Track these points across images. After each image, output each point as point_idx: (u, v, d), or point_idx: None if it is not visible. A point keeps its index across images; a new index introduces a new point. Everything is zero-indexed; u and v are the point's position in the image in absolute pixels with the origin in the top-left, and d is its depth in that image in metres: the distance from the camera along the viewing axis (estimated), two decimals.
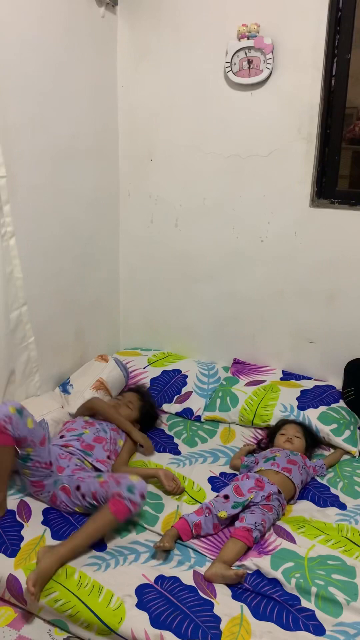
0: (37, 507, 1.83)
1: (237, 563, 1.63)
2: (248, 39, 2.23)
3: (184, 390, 2.55)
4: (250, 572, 1.59)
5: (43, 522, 1.77)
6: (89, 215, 2.53)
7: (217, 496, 1.83)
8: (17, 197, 2.02)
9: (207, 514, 1.76)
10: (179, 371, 2.64)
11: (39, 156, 2.13)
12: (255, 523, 1.70)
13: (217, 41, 2.31)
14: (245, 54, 2.26)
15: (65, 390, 2.42)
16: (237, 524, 1.72)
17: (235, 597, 1.52)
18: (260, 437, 2.30)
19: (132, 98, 2.56)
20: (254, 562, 1.61)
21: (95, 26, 2.34)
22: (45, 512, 1.81)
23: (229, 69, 2.30)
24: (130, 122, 2.60)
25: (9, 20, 1.86)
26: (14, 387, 2.16)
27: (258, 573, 1.59)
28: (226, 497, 1.79)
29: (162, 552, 1.65)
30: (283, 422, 2.24)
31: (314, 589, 1.53)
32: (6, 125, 1.89)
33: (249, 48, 2.24)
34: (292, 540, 1.72)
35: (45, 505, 1.84)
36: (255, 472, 1.92)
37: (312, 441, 2.19)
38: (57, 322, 2.43)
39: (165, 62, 2.45)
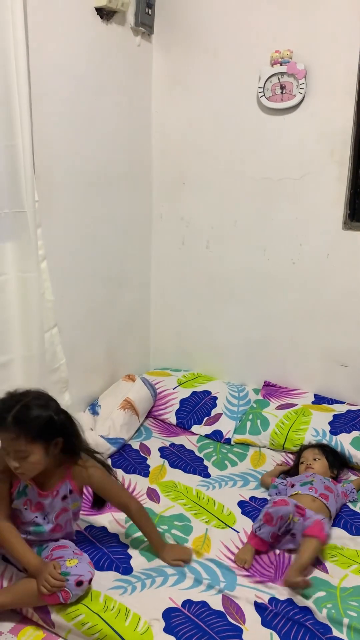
0: None
1: (273, 585, 1.60)
2: (281, 64, 2.26)
3: (213, 412, 2.53)
4: (281, 599, 1.55)
5: None
6: (121, 237, 2.57)
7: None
8: (50, 220, 2.06)
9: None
10: (208, 392, 2.62)
11: (72, 180, 2.18)
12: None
13: (250, 67, 2.35)
14: (278, 79, 2.29)
15: (94, 412, 2.43)
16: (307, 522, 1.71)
17: (265, 623, 1.48)
18: (293, 462, 2.26)
19: (165, 123, 2.62)
20: (287, 588, 1.57)
21: (131, 54, 2.41)
22: None
23: (262, 94, 2.33)
24: (164, 146, 2.65)
25: (46, 48, 1.93)
26: None
27: (290, 601, 1.54)
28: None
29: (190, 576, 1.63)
30: (301, 450, 2.20)
31: (346, 620, 1.48)
32: (41, 150, 1.94)
33: (282, 74, 2.27)
34: (324, 569, 1.68)
35: None
36: (291, 496, 1.88)
37: (335, 458, 2.13)
38: (88, 344, 2.45)
39: (199, 87, 2.50)
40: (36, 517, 1.61)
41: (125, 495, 1.75)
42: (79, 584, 1.47)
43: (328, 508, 1.84)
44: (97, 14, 2.16)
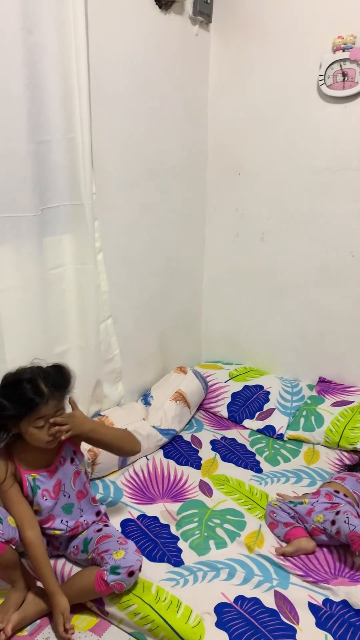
0: None
1: (326, 585, 1.57)
2: (343, 50, 2.19)
3: (266, 407, 2.50)
4: (336, 600, 1.52)
5: None
6: (175, 229, 2.56)
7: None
8: (105, 212, 2.07)
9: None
10: (261, 387, 2.59)
11: (128, 173, 2.18)
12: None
13: (310, 54, 2.28)
14: (340, 66, 2.21)
15: (146, 402, 2.45)
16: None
17: (320, 625, 1.45)
18: (348, 462, 2.21)
19: (222, 113, 2.58)
20: (342, 590, 1.54)
21: (188, 44, 2.38)
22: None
23: (322, 81, 2.26)
24: (220, 136, 2.61)
25: (105, 39, 1.93)
26: (99, 397, 2.20)
27: (345, 603, 1.51)
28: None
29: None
30: None
31: None
32: (99, 143, 1.94)
33: (344, 60, 2.20)
34: None
35: None
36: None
37: None
38: (141, 335, 2.47)
39: (257, 76, 2.45)
40: (59, 499, 1.62)
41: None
42: (131, 574, 1.49)
43: None
44: (156, 3, 2.15)
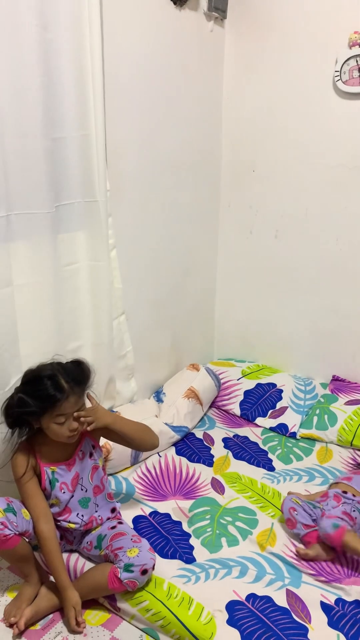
0: None
1: (339, 585, 1.56)
2: None
3: (278, 405, 2.49)
4: (349, 600, 1.51)
5: None
6: (188, 226, 2.55)
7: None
8: (120, 210, 2.07)
9: None
10: (274, 385, 2.58)
11: (143, 169, 2.18)
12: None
13: (326, 50, 2.26)
14: (357, 62, 2.19)
15: (159, 399, 2.45)
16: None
17: (332, 624, 1.45)
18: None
19: (236, 109, 2.57)
20: (355, 589, 1.53)
21: (203, 40, 2.37)
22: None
23: (338, 77, 2.24)
24: (234, 133, 2.60)
25: (119, 35, 1.92)
26: (111, 394, 2.21)
27: (357, 602, 1.50)
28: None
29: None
30: None
31: None
32: (113, 139, 1.94)
33: None
34: None
35: None
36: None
37: None
38: (153, 332, 2.47)
39: (272, 72, 2.43)
40: (76, 492, 1.63)
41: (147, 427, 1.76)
42: (144, 572, 1.49)
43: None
44: (171, 0, 2.14)
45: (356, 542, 1.61)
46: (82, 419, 1.53)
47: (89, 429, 1.55)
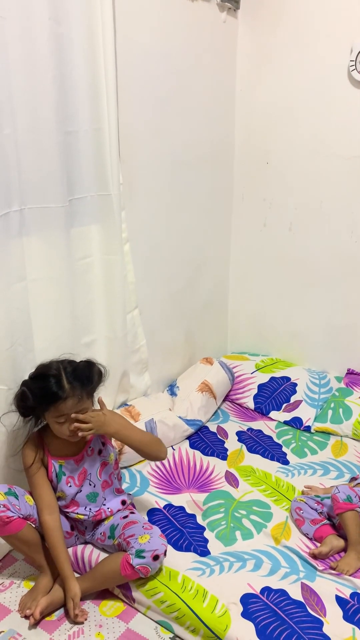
0: None
1: (354, 579, 1.56)
2: None
3: (293, 399, 2.48)
4: None
5: None
6: (201, 219, 2.54)
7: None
8: (133, 203, 2.07)
9: None
10: (288, 378, 2.57)
11: (156, 163, 2.17)
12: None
13: (341, 39, 2.23)
14: None
15: (172, 393, 2.45)
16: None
17: (347, 618, 1.44)
18: None
19: (250, 101, 2.55)
20: None
21: (216, 31, 2.35)
22: None
23: (354, 67, 2.21)
24: (248, 125, 2.58)
25: (132, 28, 1.91)
26: (125, 387, 2.22)
27: None
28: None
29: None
30: None
31: None
32: (126, 133, 1.94)
33: None
34: None
35: None
36: None
37: None
38: (167, 326, 2.46)
39: (286, 63, 2.41)
40: (83, 487, 1.64)
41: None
42: (155, 558, 1.50)
43: None
44: None
45: (352, 524, 1.64)
46: (78, 424, 1.51)
47: (84, 435, 1.54)
